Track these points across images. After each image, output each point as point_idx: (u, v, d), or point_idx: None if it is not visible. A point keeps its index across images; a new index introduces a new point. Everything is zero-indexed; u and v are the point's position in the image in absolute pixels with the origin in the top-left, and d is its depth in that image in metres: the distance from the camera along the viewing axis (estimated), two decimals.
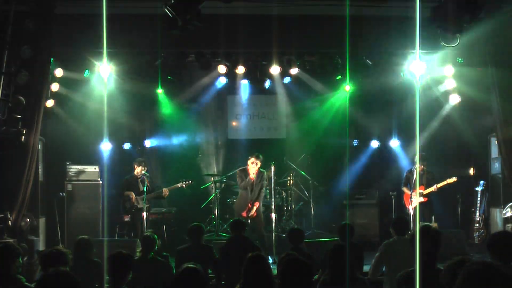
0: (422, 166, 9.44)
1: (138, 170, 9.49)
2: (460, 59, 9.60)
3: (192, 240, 6.48)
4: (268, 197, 9.86)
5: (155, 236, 6.05)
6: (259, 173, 9.21)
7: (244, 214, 9.00)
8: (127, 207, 9.36)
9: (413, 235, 3.83)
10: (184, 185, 9.74)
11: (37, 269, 7.27)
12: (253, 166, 9.10)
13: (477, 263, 2.45)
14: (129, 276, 4.47)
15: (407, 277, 3.78)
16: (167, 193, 9.60)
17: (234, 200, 10.65)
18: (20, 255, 4.78)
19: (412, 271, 3.72)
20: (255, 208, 9.03)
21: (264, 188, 9.36)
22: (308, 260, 4.32)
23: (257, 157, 9.16)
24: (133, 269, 4.60)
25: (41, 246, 8.57)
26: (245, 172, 9.22)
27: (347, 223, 6.58)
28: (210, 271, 6.49)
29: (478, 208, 9.91)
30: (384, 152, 11.82)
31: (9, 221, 7.49)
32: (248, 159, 9.25)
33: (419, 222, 9.28)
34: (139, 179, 9.53)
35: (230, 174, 11.16)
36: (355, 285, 4.22)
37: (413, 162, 9.88)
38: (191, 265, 3.65)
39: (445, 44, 7.15)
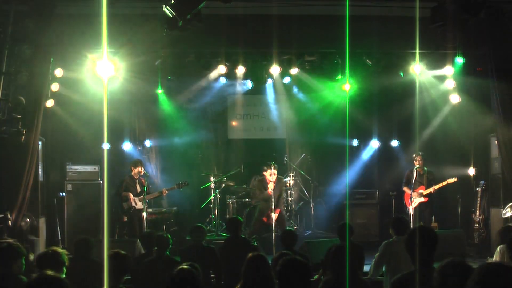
0: (417, 162, 9.44)
1: (135, 171, 9.47)
2: (460, 59, 9.59)
3: (194, 241, 6.49)
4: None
5: (169, 235, 6.08)
6: (277, 182, 9.20)
7: (265, 219, 9.04)
8: (125, 208, 9.36)
9: (409, 237, 3.82)
10: (180, 187, 9.72)
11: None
12: (271, 177, 9.05)
13: (492, 264, 2.45)
14: (125, 276, 4.47)
15: (402, 280, 3.76)
16: (166, 193, 9.61)
17: (234, 200, 10.67)
18: (23, 255, 4.78)
19: (406, 274, 3.71)
20: (276, 215, 9.06)
21: (283, 194, 9.37)
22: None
23: (271, 167, 9.09)
24: (148, 269, 4.58)
25: (41, 246, 8.57)
26: (264, 183, 9.14)
27: (346, 223, 6.57)
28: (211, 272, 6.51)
29: (478, 208, 9.91)
30: (384, 152, 11.82)
31: (9, 221, 7.49)
32: (264, 170, 9.15)
33: (419, 222, 9.29)
34: (137, 180, 9.52)
35: (230, 174, 11.16)
36: (357, 285, 4.21)
37: (413, 162, 9.87)
38: (185, 267, 3.65)
39: (445, 44, 7.15)
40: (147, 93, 10.91)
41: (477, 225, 9.82)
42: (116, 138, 10.99)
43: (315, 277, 5.91)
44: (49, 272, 3.44)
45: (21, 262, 4.72)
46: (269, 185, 9.04)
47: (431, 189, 9.50)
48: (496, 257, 5.89)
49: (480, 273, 2.37)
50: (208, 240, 8.18)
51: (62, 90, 9.65)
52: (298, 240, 6.73)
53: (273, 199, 8.88)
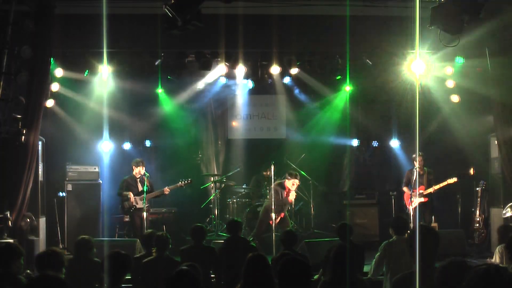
0: (420, 159, 9.45)
1: (137, 170, 9.47)
2: (460, 59, 9.60)
3: (194, 241, 6.50)
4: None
5: (168, 235, 6.09)
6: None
7: (271, 222, 9.08)
8: (126, 207, 9.36)
9: (411, 236, 3.82)
10: (183, 185, 9.72)
11: None
12: (293, 187, 9.06)
13: (485, 266, 2.45)
14: (126, 276, 4.47)
15: (403, 280, 3.77)
16: (169, 191, 9.58)
17: (234, 200, 10.66)
18: (22, 255, 4.78)
19: (407, 274, 3.71)
20: (279, 218, 9.09)
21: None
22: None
23: (296, 177, 9.11)
24: (148, 269, 4.56)
25: (41, 246, 8.57)
26: (283, 188, 9.12)
27: (346, 223, 6.58)
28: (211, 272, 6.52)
29: (478, 208, 9.91)
30: (384, 152, 11.81)
31: (9, 221, 7.48)
32: (287, 178, 9.12)
33: (419, 222, 9.29)
34: (138, 179, 9.52)
35: (230, 174, 11.16)
36: (357, 285, 4.21)
37: (412, 162, 9.88)
38: (184, 267, 3.65)
39: (445, 44, 7.15)
40: (147, 93, 10.91)
41: (477, 225, 9.82)
42: (116, 138, 10.99)
43: (315, 277, 5.92)
44: (49, 272, 3.45)
45: (20, 262, 4.73)
46: (290, 194, 9.05)
47: (431, 189, 9.50)
48: (495, 258, 5.89)
49: (476, 276, 2.37)
50: (208, 240, 8.20)
51: (62, 90, 9.67)
52: (298, 240, 6.73)
53: (270, 206, 8.92)
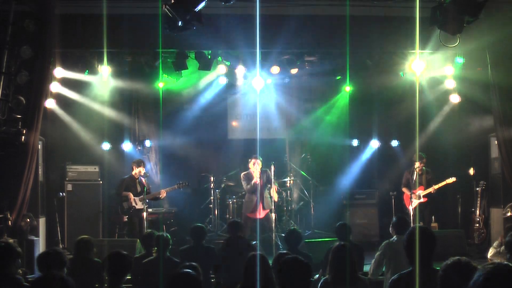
0: (422, 164, 9.44)
1: (137, 171, 9.47)
2: (460, 59, 9.60)
3: (194, 241, 6.50)
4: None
5: (168, 235, 6.09)
6: (263, 173, 9.20)
7: (250, 215, 9.05)
8: (125, 208, 9.35)
9: (407, 237, 3.81)
10: (180, 187, 9.72)
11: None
12: (255, 167, 9.08)
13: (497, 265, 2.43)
14: (127, 276, 4.47)
15: (400, 280, 3.76)
16: (165, 195, 9.57)
17: (234, 200, 10.67)
18: (20, 255, 4.77)
19: (404, 274, 3.71)
20: (263, 212, 9.06)
21: (272, 189, 9.31)
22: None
23: (255, 157, 9.15)
24: (148, 269, 4.56)
25: (41, 246, 8.57)
26: (249, 175, 9.18)
27: (345, 223, 6.58)
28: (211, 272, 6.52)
29: (478, 208, 9.91)
30: (384, 152, 11.81)
31: (9, 221, 7.49)
32: (248, 161, 9.23)
33: (419, 222, 9.30)
34: (138, 180, 9.51)
35: (230, 174, 11.15)
36: (357, 285, 4.22)
37: (412, 163, 9.88)
38: (185, 270, 3.65)
39: (445, 44, 7.15)
40: (147, 93, 10.91)
41: (477, 225, 9.82)
42: (116, 138, 10.99)
43: (315, 276, 5.92)
44: (53, 272, 3.45)
45: (18, 262, 4.71)
46: (254, 175, 9.09)
47: (430, 189, 9.50)
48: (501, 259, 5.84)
49: (486, 276, 2.36)
50: (208, 240, 8.20)
51: (62, 90, 9.67)
52: (302, 239, 6.71)
53: (260, 189, 8.94)
